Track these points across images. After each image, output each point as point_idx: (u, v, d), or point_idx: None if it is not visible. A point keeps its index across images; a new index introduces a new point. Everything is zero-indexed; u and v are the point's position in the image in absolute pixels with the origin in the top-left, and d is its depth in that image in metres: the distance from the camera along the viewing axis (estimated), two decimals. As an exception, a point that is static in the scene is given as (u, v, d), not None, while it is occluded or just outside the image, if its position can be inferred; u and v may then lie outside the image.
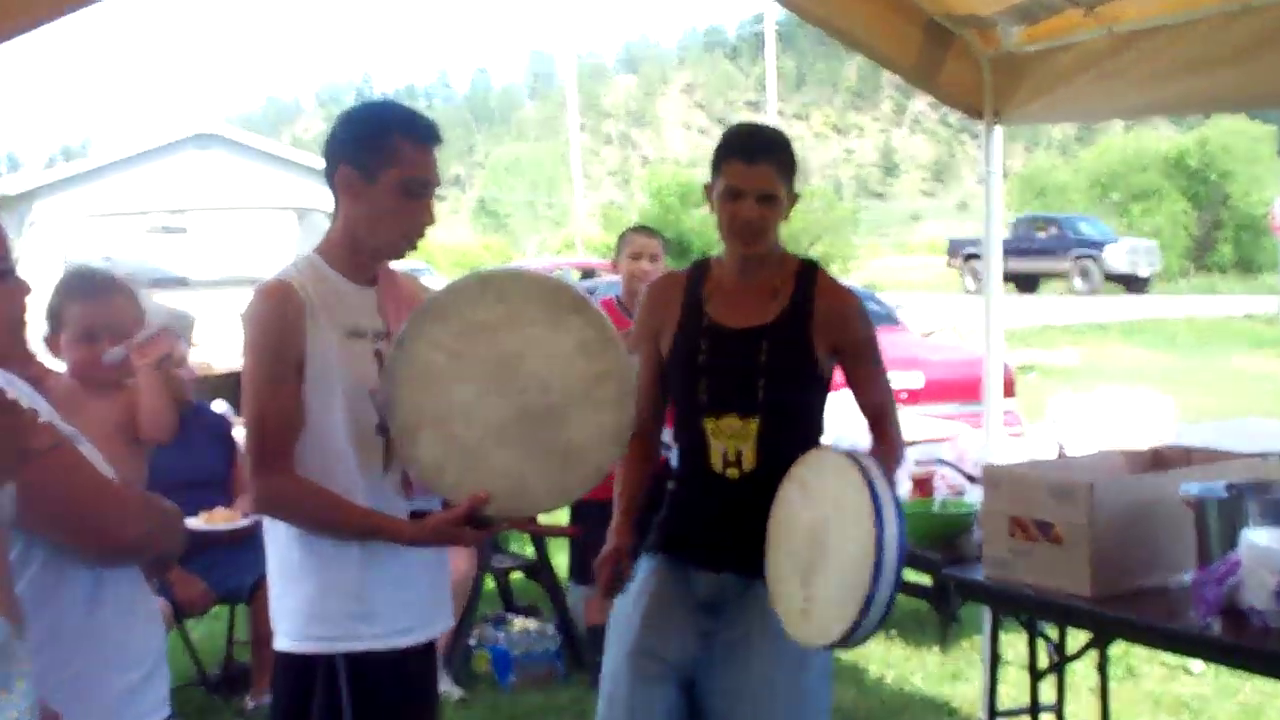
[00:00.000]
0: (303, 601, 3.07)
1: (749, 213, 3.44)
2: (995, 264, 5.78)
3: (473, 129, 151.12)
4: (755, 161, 3.42)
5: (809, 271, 3.58)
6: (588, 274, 23.14)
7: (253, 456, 2.99)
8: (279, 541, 3.11)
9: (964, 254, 37.85)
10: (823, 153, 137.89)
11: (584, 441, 2.97)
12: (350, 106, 3.20)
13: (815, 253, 36.23)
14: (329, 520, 2.99)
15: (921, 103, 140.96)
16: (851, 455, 3.12)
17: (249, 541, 5.66)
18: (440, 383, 2.96)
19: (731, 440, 3.46)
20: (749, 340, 3.49)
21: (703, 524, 3.52)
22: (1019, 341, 23.19)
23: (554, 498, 3.00)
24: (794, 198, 3.49)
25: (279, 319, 2.95)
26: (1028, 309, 29.47)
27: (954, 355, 11.77)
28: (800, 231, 37.75)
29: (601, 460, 2.99)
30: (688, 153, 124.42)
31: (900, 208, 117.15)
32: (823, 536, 3.10)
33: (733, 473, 3.47)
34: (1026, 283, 36.94)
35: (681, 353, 3.57)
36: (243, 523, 5.81)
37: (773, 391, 3.45)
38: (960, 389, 10.35)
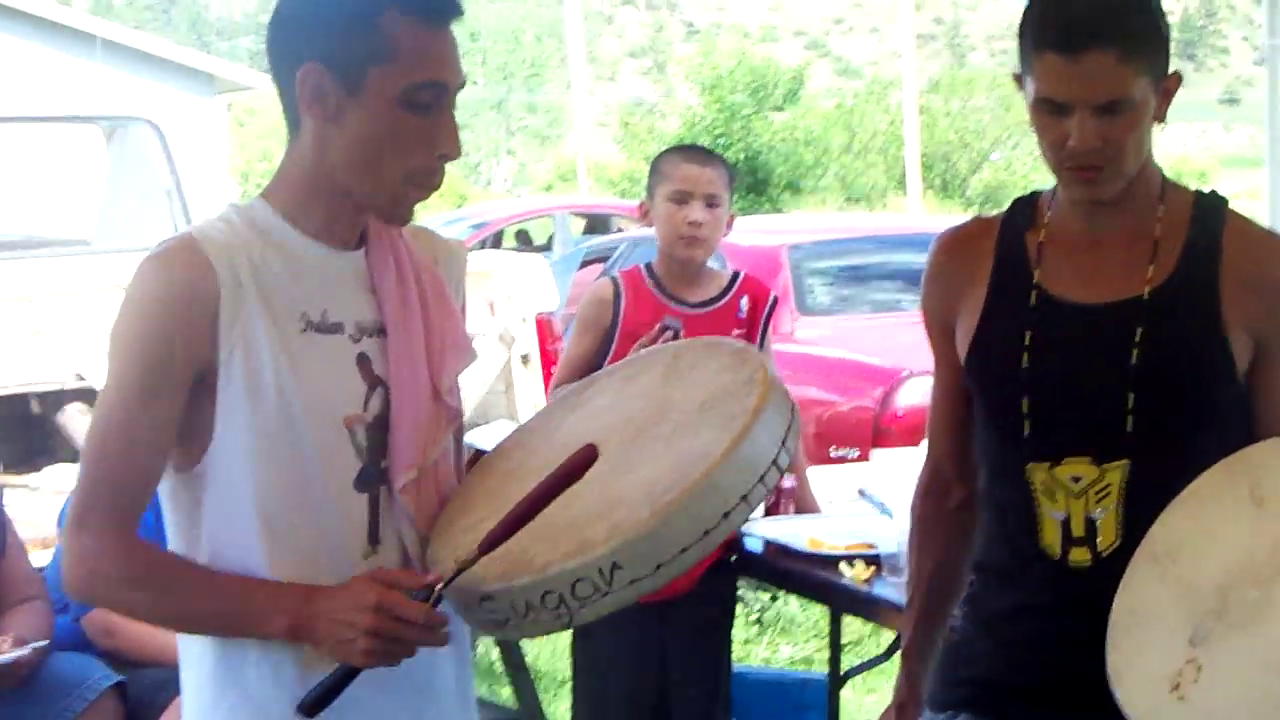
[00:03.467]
0: None
1: (1084, 138, 2.37)
2: None
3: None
4: (1082, 50, 2.35)
5: (1212, 211, 2.52)
6: (595, 226, 15.91)
7: (74, 507, 2.24)
8: (190, 651, 2.36)
9: None
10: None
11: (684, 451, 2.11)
12: None
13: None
14: (175, 605, 2.23)
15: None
16: None
17: (35, 684, 3.98)
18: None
19: (1078, 502, 2.45)
20: (1109, 324, 2.46)
21: (1031, 651, 2.50)
22: None
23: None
24: (1169, 85, 2.44)
25: (171, 302, 2.16)
26: None
27: None
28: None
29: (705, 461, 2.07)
30: (759, 17, 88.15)
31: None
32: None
33: (1080, 557, 2.45)
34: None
35: (989, 352, 2.54)
36: (13, 654, 3.94)
37: (1153, 410, 2.42)
38: None
